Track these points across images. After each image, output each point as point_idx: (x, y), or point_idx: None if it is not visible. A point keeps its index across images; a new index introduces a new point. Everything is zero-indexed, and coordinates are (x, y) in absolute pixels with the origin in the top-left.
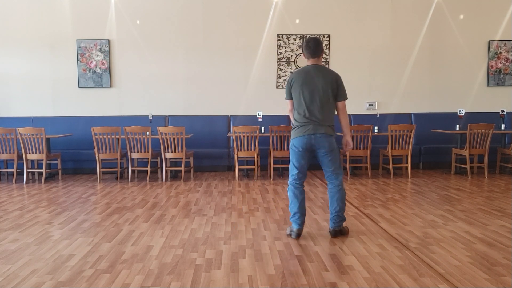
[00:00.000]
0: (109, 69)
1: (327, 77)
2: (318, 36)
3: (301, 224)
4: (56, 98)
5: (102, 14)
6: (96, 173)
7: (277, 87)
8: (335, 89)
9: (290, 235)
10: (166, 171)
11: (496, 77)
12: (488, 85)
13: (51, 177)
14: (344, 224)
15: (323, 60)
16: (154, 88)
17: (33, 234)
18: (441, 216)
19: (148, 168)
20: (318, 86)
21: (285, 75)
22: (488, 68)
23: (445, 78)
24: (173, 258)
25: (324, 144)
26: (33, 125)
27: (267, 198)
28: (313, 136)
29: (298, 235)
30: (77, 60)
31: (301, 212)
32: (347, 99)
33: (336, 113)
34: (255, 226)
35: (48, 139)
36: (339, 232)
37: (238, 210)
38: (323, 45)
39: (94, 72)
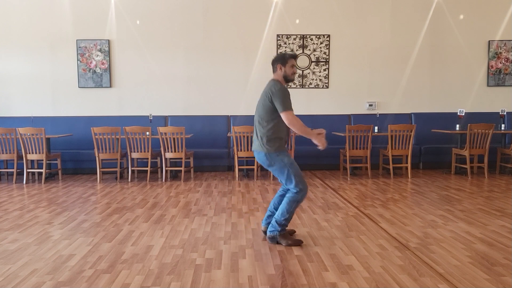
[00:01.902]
0: (109, 69)
1: (265, 88)
2: (318, 36)
3: None
4: (56, 98)
5: (102, 14)
6: (96, 173)
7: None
8: (269, 99)
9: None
10: (166, 171)
11: (496, 77)
12: (488, 85)
13: (51, 177)
14: (296, 236)
15: (322, 59)
16: (154, 88)
17: (33, 234)
18: (441, 216)
19: (148, 168)
20: (260, 99)
21: None
22: (488, 68)
23: (445, 78)
24: (173, 258)
25: (259, 159)
26: (33, 125)
27: (267, 198)
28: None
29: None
30: (77, 60)
31: None
32: (285, 110)
33: (275, 125)
34: (255, 226)
35: (48, 139)
36: (272, 239)
37: (238, 210)
38: (284, 57)
39: (94, 72)
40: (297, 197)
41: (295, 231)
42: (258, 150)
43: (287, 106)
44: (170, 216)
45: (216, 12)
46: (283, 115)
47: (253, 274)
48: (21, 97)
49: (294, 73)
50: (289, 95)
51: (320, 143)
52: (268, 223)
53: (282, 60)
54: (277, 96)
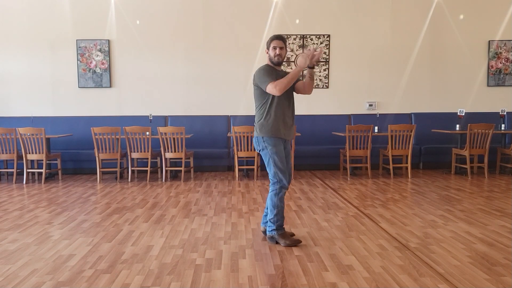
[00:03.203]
0: (109, 69)
1: None
2: (318, 36)
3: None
4: (56, 98)
5: (102, 14)
6: (96, 173)
7: None
8: (254, 82)
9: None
10: (166, 171)
11: (496, 77)
12: (488, 85)
13: (51, 177)
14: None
15: (322, 59)
16: (154, 88)
17: (33, 234)
18: (441, 216)
19: (148, 168)
20: None
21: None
22: (488, 68)
23: (445, 78)
24: (173, 258)
25: (254, 143)
26: (33, 125)
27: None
28: None
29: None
30: (77, 60)
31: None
32: (267, 85)
33: (266, 109)
34: (255, 226)
35: (48, 139)
36: (272, 239)
37: (238, 210)
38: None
39: (94, 72)
40: (274, 190)
41: (294, 234)
42: (255, 134)
43: (267, 81)
44: (170, 216)
45: (216, 12)
46: (268, 91)
47: (253, 274)
48: (21, 97)
49: (278, 55)
50: (270, 71)
51: (307, 55)
52: (266, 223)
53: (267, 44)
54: (257, 77)
